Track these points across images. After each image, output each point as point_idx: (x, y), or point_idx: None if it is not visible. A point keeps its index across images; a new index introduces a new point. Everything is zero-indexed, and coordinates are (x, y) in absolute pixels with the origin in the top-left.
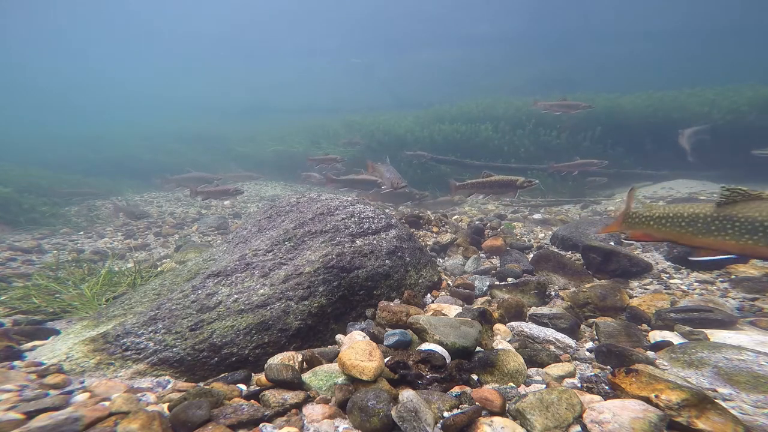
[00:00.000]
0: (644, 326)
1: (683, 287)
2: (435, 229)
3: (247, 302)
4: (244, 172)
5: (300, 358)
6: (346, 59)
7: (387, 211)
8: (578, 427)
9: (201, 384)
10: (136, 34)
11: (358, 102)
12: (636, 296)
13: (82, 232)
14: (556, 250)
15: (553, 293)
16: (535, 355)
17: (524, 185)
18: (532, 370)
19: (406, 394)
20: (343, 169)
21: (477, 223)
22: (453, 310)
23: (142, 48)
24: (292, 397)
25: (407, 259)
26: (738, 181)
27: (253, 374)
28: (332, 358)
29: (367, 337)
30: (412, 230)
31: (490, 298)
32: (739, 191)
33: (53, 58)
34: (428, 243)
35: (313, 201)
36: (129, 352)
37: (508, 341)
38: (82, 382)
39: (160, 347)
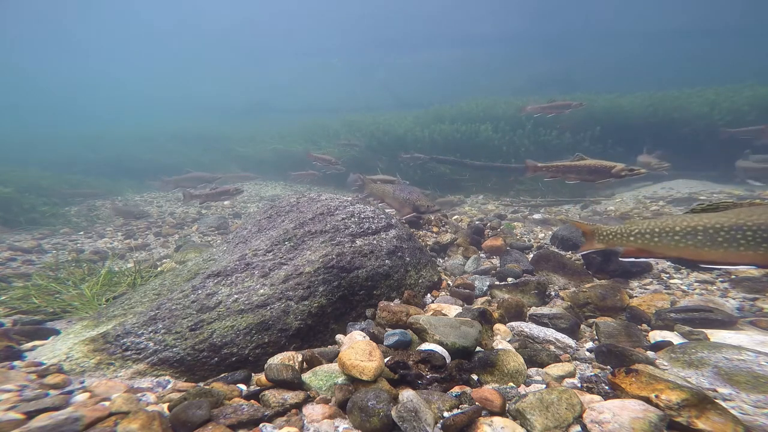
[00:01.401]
0: (644, 326)
1: (683, 287)
2: (435, 229)
3: (247, 302)
4: (242, 172)
5: (300, 358)
6: (328, 59)
7: (387, 211)
8: (578, 427)
9: (201, 384)
10: (136, 34)
11: (358, 102)
12: (636, 296)
13: (82, 232)
14: (556, 250)
15: (553, 293)
16: (535, 355)
17: (622, 174)
18: (532, 370)
19: (406, 394)
20: (343, 169)
21: (477, 223)
22: (453, 310)
23: (143, 48)
24: (292, 397)
25: (407, 259)
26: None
27: (253, 374)
28: (332, 358)
29: (367, 337)
30: (412, 230)
31: (490, 298)
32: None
33: (54, 59)
34: (428, 243)
35: (313, 201)
36: (129, 352)
37: (508, 341)
38: (82, 382)
39: (160, 347)
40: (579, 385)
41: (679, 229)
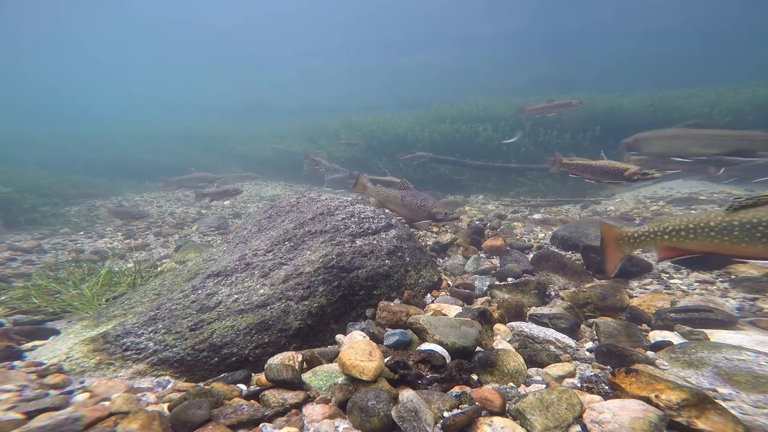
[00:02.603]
0: (644, 326)
1: (683, 287)
2: (435, 229)
3: (247, 302)
4: (243, 172)
5: (300, 358)
6: (310, 60)
7: (387, 210)
8: (578, 427)
9: (201, 384)
10: (136, 34)
11: (359, 102)
12: (636, 296)
13: (82, 232)
14: (556, 250)
15: (553, 293)
16: (535, 355)
17: (634, 178)
18: (532, 370)
19: (406, 394)
20: (343, 170)
21: (477, 223)
22: (453, 310)
23: (143, 48)
24: (292, 397)
25: (407, 259)
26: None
27: (253, 374)
28: (332, 358)
29: (367, 337)
30: (412, 230)
31: (490, 298)
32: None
33: (54, 59)
34: (428, 243)
35: (313, 201)
36: (129, 352)
37: (508, 341)
38: (82, 382)
39: (160, 347)
40: (579, 385)
41: (714, 224)
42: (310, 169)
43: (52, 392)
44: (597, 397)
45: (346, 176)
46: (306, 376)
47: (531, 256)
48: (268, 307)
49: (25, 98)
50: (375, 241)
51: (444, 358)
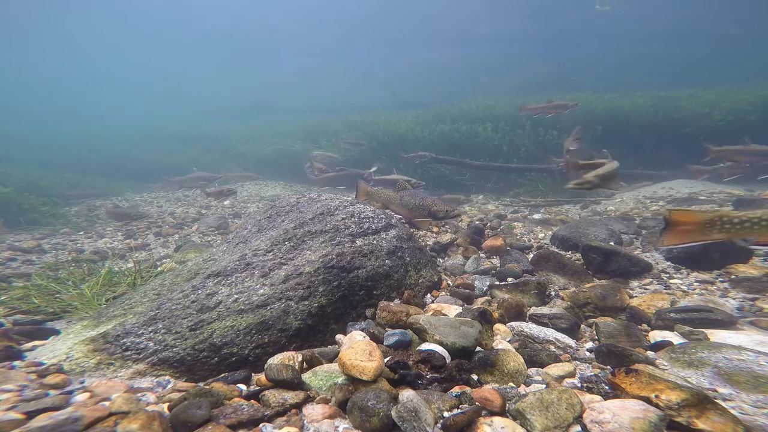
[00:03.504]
0: (644, 326)
1: (683, 287)
2: (435, 229)
3: (247, 302)
4: (243, 172)
5: (300, 358)
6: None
7: (387, 211)
8: (578, 427)
9: (201, 384)
10: (136, 33)
11: (359, 102)
12: (636, 296)
13: (82, 232)
14: (556, 250)
15: (553, 293)
16: (535, 355)
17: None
18: (532, 370)
19: (406, 394)
20: (333, 169)
21: (477, 223)
22: (453, 310)
23: (143, 48)
24: (292, 397)
25: (407, 259)
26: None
27: (253, 374)
28: (332, 358)
29: (367, 337)
30: (412, 230)
31: (490, 298)
32: None
33: (53, 58)
34: (428, 243)
35: (313, 201)
36: (129, 352)
37: (508, 341)
38: (82, 382)
39: (160, 347)
40: (579, 385)
41: None
42: (312, 170)
43: (52, 392)
44: (597, 397)
45: (342, 175)
46: (306, 376)
47: (531, 256)
48: (268, 307)
49: (25, 98)
50: (375, 241)
51: (444, 358)
